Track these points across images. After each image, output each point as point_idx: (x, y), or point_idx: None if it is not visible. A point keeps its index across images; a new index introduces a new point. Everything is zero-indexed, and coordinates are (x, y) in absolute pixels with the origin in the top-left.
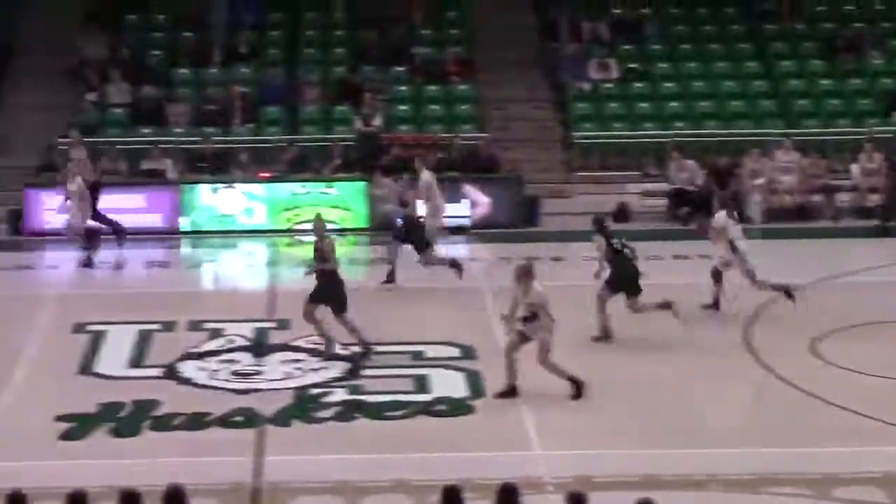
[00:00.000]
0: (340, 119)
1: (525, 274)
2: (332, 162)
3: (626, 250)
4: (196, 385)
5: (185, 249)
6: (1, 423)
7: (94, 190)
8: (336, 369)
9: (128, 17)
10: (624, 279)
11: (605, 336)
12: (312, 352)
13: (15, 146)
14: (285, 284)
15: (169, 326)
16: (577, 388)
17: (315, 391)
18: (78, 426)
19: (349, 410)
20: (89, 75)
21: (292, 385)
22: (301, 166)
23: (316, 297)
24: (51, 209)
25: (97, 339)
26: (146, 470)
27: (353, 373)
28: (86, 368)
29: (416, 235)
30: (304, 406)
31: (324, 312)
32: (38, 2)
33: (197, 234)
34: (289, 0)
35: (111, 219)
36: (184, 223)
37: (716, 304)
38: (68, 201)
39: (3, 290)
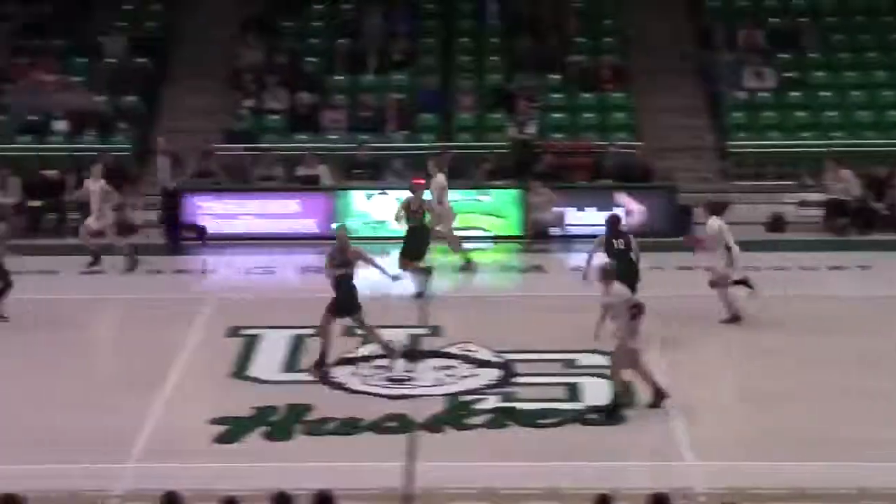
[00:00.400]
0: (495, 126)
1: (608, 275)
2: (482, 168)
3: (630, 254)
4: (349, 390)
5: None
6: (156, 424)
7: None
8: (488, 376)
9: (284, 23)
10: (622, 279)
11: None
12: (465, 358)
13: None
14: (438, 291)
15: None
16: (617, 408)
17: (467, 398)
18: (232, 429)
19: (501, 418)
20: (246, 82)
21: (444, 391)
22: (455, 173)
23: (341, 310)
24: (207, 214)
25: (251, 343)
26: (298, 474)
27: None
28: (240, 372)
29: (416, 241)
30: (455, 412)
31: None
32: (198, 8)
33: (350, 241)
34: (443, 8)
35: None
36: None
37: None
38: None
39: (160, 294)
